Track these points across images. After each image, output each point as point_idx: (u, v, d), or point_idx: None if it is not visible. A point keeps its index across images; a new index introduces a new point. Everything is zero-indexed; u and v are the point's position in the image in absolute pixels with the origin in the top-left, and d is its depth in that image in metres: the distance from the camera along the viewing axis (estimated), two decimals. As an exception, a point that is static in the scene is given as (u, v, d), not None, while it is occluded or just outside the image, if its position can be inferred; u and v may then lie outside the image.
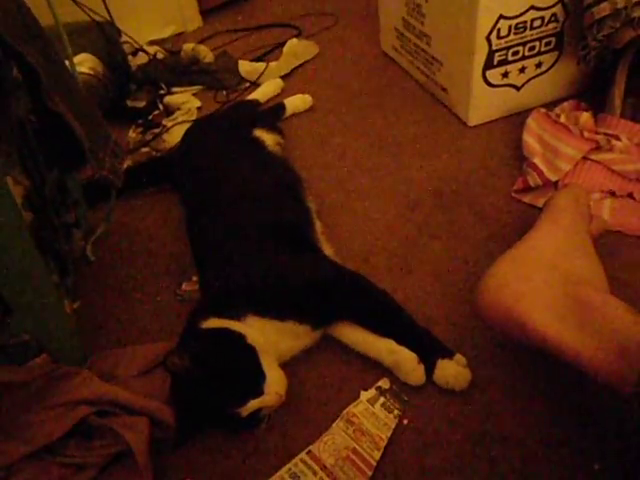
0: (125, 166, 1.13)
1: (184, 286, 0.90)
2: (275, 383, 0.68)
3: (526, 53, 1.03)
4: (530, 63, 1.04)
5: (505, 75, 1.05)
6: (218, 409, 0.66)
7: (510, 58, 1.02)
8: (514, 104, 1.09)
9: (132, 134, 1.25)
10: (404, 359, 0.71)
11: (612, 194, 0.89)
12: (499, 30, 0.98)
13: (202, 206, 0.90)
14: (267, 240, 0.79)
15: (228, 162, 0.96)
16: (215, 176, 0.93)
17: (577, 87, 1.10)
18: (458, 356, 0.71)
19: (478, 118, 1.10)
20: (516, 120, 1.09)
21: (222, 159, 0.97)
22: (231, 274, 0.76)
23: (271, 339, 0.72)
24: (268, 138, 1.06)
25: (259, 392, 0.66)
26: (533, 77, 1.07)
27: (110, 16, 1.38)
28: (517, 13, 0.97)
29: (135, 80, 1.38)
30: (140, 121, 1.28)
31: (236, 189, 0.89)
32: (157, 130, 1.24)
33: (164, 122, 1.27)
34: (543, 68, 1.06)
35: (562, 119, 0.98)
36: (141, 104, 1.29)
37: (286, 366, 0.74)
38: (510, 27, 0.98)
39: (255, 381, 0.67)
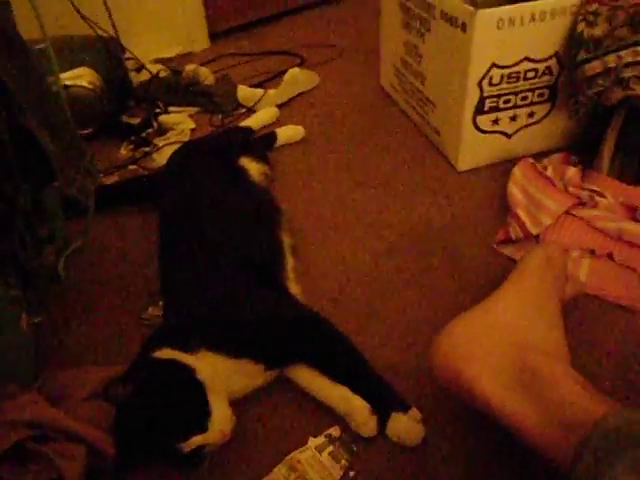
0: (111, 181, 1.15)
1: (150, 310, 0.88)
2: (220, 420, 0.65)
3: (518, 102, 1.02)
4: (522, 112, 1.04)
5: (496, 122, 1.04)
6: (159, 442, 0.64)
7: (501, 106, 1.02)
8: (504, 151, 1.08)
9: (123, 150, 1.25)
10: (357, 409, 0.68)
11: (592, 252, 0.86)
12: (491, 77, 0.97)
13: (174, 230, 0.89)
14: (230, 273, 0.78)
15: (207, 188, 0.95)
16: (191, 201, 0.92)
17: (568, 140, 1.09)
18: (413, 410, 0.68)
19: (467, 163, 1.09)
20: (506, 167, 1.07)
21: (202, 184, 0.96)
22: (189, 304, 0.75)
23: (222, 375, 0.70)
24: (253, 167, 1.06)
25: (203, 428, 0.64)
26: (524, 126, 1.06)
27: (115, 32, 1.39)
28: (511, 63, 0.96)
29: (135, 97, 1.39)
30: (133, 138, 1.28)
31: (209, 216, 0.88)
32: (148, 148, 1.24)
33: (155, 141, 1.27)
34: (535, 118, 1.05)
35: (549, 171, 0.97)
36: (136, 121, 1.30)
37: (236, 404, 0.73)
38: (502, 76, 0.97)
39: (199, 417, 0.64)
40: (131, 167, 1.19)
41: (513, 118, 1.04)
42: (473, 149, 1.07)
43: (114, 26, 1.38)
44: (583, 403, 0.50)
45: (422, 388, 0.73)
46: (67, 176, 0.71)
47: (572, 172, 0.95)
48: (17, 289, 0.78)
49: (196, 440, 0.64)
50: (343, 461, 0.66)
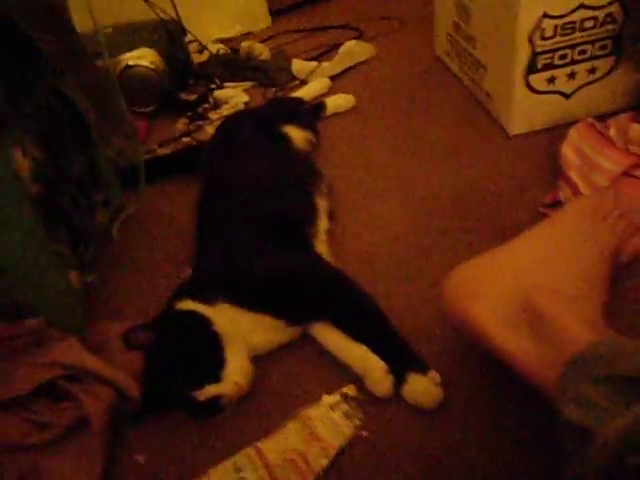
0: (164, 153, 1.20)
1: (187, 270, 0.92)
2: (235, 372, 0.67)
3: (576, 57, 0.93)
4: (581, 68, 0.95)
5: (551, 81, 0.96)
6: (176, 390, 0.66)
7: (557, 62, 0.93)
8: (562, 114, 1.00)
9: (179, 125, 1.31)
10: (373, 367, 0.67)
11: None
12: (543, 30, 0.90)
13: (210, 193, 0.92)
14: (256, 231, 0.79)
15: (247, 154, 0.97)
16: (229, 165, 0.95)
17: (637, 98, 0.98)
18: (433, 373, 0.65)
19: (520, 127, 1.02)
20: (563, 132, 0.99)
21: (242, 150, 0.98)
22: (213, 259, 0.77)
23: (243, 329, 0.71)
24: (297, 135, 1.07)
25: (217, 379, 0.66)
26: (585, 84, 0.97)
27: (177, 15, 1.45)
28: (564, 12, 0.88)
29: (195, 75, 1.44)
30: (190, 113, 1.33)
31: (244, 179, 0.90)
32: (202, 122, 1.29)
33: (210, 115, 1.31)
34: (597, 75, 0.96)
35: (611, 131, 0.88)
36: (192, 97, 1.35)
37: (259, 359, 0.74)
38: (556, 27, 0.89)
39: (214, 367, 0.66)
40: (184, 139, 1.24)
41: (571, 75, 0.95)
42: (526, 112, 1.00)
43: (176, 9, 1.44)
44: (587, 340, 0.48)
45: (448, 354, 0.70)
46: (106, 139, 0.75)
47: (635, 130, 0.86)
48: (65, 246, 0.84)
49: (210, 390, 0.65)
50: (356, 420, 0.65)
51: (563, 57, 0.93)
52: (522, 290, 0.57)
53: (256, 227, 0.80)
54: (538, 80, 0.95)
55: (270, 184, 0.88)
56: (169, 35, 1.38)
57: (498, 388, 0.65)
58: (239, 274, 0.73)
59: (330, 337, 0.72)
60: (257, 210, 0.82)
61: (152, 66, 1.32)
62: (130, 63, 1.30)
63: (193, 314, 0.69)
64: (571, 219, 0.66)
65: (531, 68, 0.94)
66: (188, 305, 0.71)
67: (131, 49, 1.33)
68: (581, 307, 0.56)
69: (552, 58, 0.93)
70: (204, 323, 0.68)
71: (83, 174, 0.93)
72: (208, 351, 0.67)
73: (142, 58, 1.31)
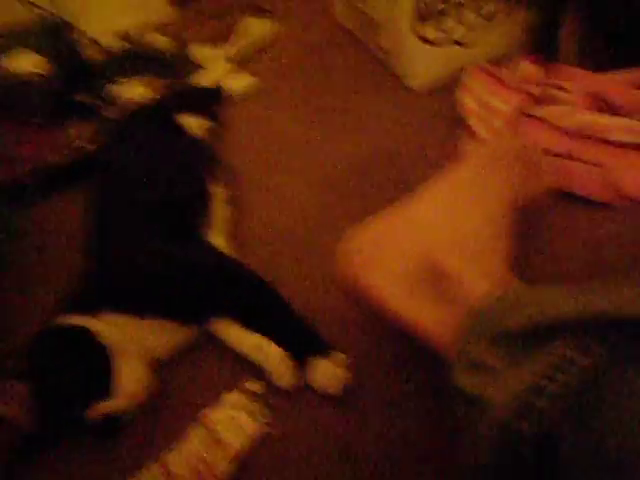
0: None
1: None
2: (127, 383, 0.61)
3: (457, 1, 0.89)
4: (469, 12, 0.91)
5: (441, 29, 0.92)
6: (66, 414, 0.60)
7: (442, 7, 0.89)
8: (460, 62, 0.95)
9: (71, 129, 1.22)
10: (270, 356, 0.62)
11: (547, 152, 0.74)
12: (423, -24, 0.85)
13: (99, 196, 0.84)
14: (139, 229, 0.73)
15: (135, 150, 0.90)
16: (117, 164, 0.88)
17: (533, 35, 0.95)
18: (336, 354, 0.61)
19: (420, 81, 0.98)
20: (464, 80, 0.95)
21: (130, 147, 0.91)
22: (95, 264, 0.70)
23: (133, 336, 0.65)
24: (192, 122, 1.00)
25: (108, 394, 0.60)
26: (478, 30, 0.93)
27: (57, 10, 1.35)
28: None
29: (90, 74, 1.35)
30: (86, 115, 1.25)
31: (131, 177, 0.83)
32: (97, 122, 1.20)
33: (105, 114, 1.22)
34: (490, 19, 0.92)
35: (503, 72, 0.85)
36: (87, 98, 1.26)
37: (159, 365, 0.68)
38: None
39: (102, 382, 0.61)
40: (76, 143, 1.15)
41: (460, 21, 0.91)
42: (423, 64, 0.95)
43: (55, 3, 1.34)
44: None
45: (360, 332, 0.66)
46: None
47: (525, 67, 0.83)
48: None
49: (101, 407, 0.60)
50: (260, 417, 0.60)
51: (447, 1, 0.89)
52: (422, 250, 0.52)
53: (140, 225, 0.73)
54: (428, 30, 0.91)
55: (157, 178, 0.82)
56: (52, 33, 1.28)
57: (410, 362, 0.61)
58: (118, 278, 0.67)
59: (226, 331, 0.67)
60: (141, 207, 0.76)
61: (35, 69, 1.22)
62: (9, 69, 1.20)
63: (72, 328, 0.63)
64: (468, 169, 0.62)
65: (418, 17, 0.89)
66: (69, 319, 0.65)
67: (11, 53, 1.23)
68: (485, 260, 0.52)
69: (436, 4, 0.88)
70: (85, 335, 0.62)
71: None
72: (93, 365, 0.61)
73: (22, 62, 1.21)
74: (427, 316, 0.48)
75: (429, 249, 0.52)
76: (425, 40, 0.92)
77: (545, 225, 0.70)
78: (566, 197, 0.71)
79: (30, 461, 0.64)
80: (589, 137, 0.71)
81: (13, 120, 1.20)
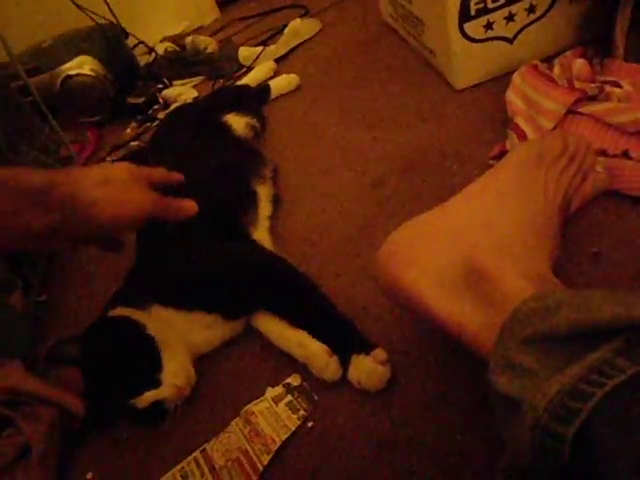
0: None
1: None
2: (174, 375, 0.64)
3: (511, -3, 0.87)
4: (519, 8, 0.89)
5: (489, 27, 0.90)
6: (115, 400, 0.64)
7: (490, 5, 0.88)
8: (508, 61, 0.94)
9: (129, 130, 1.27)
10: (314, 352, 0.63)
11: (604, 153, 0.72)
12: (469, -27, 0.84)
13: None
14: (186, 226, 0.75)
15: (183, 149, 0.93)
16: (167, 163, 0.91)
17: (584, 33, 0.92)
18: (378, 351, 0.61)
19: (465, 80, 0.96)
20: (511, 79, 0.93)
21: (179, 146, 0.95)
22: (144, 260, 0.73)
23: (179, 330, 0.68)
24: (238, 122, 1.03)
25: (156, 384, 0.63)
26: (526, 25, 0.91)
27: (115, 18, 1.41)
28: (489, -51, 0.82)
29: (142, 78, 1.41)
30: (139, 117, 1.30)
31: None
32: (151, 124, 1.25)
33: (159, 116, 1.27)
34: (537, 13, 0.89)
35: (555, 70, 0.83)
36: (140, 100, 1.31)
37: (204, 359, 0.71)
38: (483, -32, 0.84)
39: (151, 372, 0.63)
40: (133, 144, 1.20)
41: (510, 18, 0.89)
42: (469, 63, 0.94)
43: (112, 12, 1.40)
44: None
45: (399, 329, 0.66)
46: (19, 150, 0.72)
47: (580, 64, 0.80)
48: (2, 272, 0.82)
49: (149, 396, 0.63)
50: (301, 411, 0.61)
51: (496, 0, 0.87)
52: (462, 251, 0.51)
53: (187, 223, 0.76)
54: (475, 28, 0.90)
55: (204, 177, 0.84)
56: (108, 39, 1.34)
57: (449, 361, 0.60)
58: (167, 273, 0.70)
59: (270, 327, 0.68)
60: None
61: (93, 73, 1.29)
62: (70, 73, 1.27)
63: (125, 320, 0.66)
64: (514, 168, 0.60)
65: (464, 16, 0.88)
66: (120, 312, 0.68)
67: (72, 59, 1.30)
68: (526, 261, 0.50)
69: (484, 2, 0.87)
70: (137, 328, 0.65)
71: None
72: (143, 356, 0.64)
73: (81, 67, 1.28)
74: (466, 317, 0.47)
75: (469, 249, 0.51)
76: (471, 39, 0.91)
77: (597, 229, 0.67)
78: (621, 199, 0.69)
79: (80, 444, 0.68)
80: (646, 136, 0.68)
81: (72, 121, 1.26)
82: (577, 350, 0.37)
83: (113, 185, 0.55)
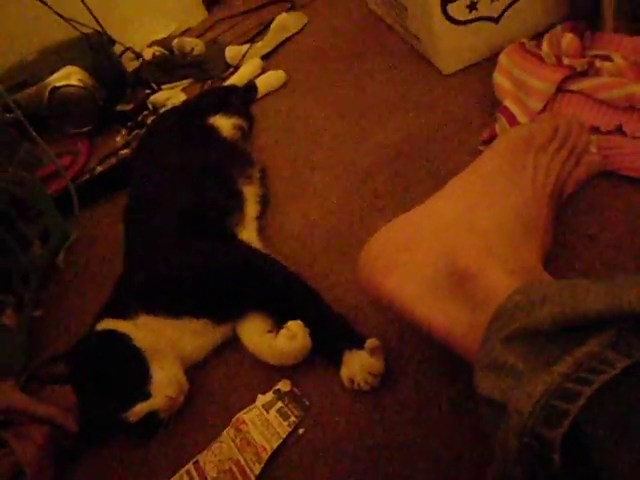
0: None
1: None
2: (164, 385, 0.63)
3: (493, -26, 0.84)
4: (502, -14, 0.85)
5: (473, 7, 0.87)
6: (107, 415, 0.63)
7: (473, -15, 0.85)
8: (496, 41, 0.90)
9: (119, 138, 1.26)
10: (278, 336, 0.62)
11: (597, 130, 0.69)
12: (448, -49, 0.81)
13: (134, 201, 0.87)
14: (171, 231, 0.74)
15: (167, 153, 0.92)
16: (151, 168, 0.90)
17: (574, 7, 0.88)
18: (371, 340, 0.58)
19: (453, 65, 0.93)
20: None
21: (163, 151, 0.93)
22: (130, 268, 0.72)
23: (168, 339, 0.67)
24: (224, 124, 1.01)
25: (146, 395, 0.62)
26: (512, 3, 0.87)
27: (100, 26, 1.40)
28: None
29: (130, 84, 1.40)
30: (129, 124, 1.29)
31: (164, 181, 0.85)
32: (141, 130, 1.24)
33: (149, 121, 1.26)
34: (522, -11, 0.86)
35: (543, 48, 0.79)
36: (129, 107, 1.30)
37: (196, 367, 0.70)
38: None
39: (140, 384, 0.62)
40: (123, 152, 1.19)
41: (493, -4, 0.86)
42: (455, 47, 0.91)
43: (97, 21, 1.39)
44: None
45: (392, 328, 0.64)
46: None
47: (568, 39, 0.77)
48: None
49: (141, 408, 0.61)
50: (292, 418, 0.60)
51: (479, -22, 0.84)
52: (444, 252, 0.49)
53: (173, 227, 0.75)
54: (458, 9, 0.86)
55: (189, 180, 0.83)
56: (94, 49, 1.33)
57: (442, 362, 0.58)
58: (154, 282, 0.68)
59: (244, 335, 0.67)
60: (173, 209, 0.77)
61: (80, 84, 1.28)
62: (57, 85, 1.26)
63: (109, 333, 0.65)
64: (500, 156, 0.57)
65: (447, -2, 0.85)
66: (107, 324, 0.67)
67: (59, 70, 1.29)
68: (512, 256, 0.48)
69: (467, -19, 0.84)
70: (121, 341, 0.64)
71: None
72: (130, 369, 0.63)
73: (69, 77, 1.27)
74: (452, 320, 0.45)
75: (451, 249, 0.48)
76: (455, 21, 0.88)
77: (592, 211, 0.65)
78: (616, 180, 0.65)
79: (74, 461, 0.67)
80: None
81: (59, 133, 1.26)
82: (565, 345, 0.34)
83: None
